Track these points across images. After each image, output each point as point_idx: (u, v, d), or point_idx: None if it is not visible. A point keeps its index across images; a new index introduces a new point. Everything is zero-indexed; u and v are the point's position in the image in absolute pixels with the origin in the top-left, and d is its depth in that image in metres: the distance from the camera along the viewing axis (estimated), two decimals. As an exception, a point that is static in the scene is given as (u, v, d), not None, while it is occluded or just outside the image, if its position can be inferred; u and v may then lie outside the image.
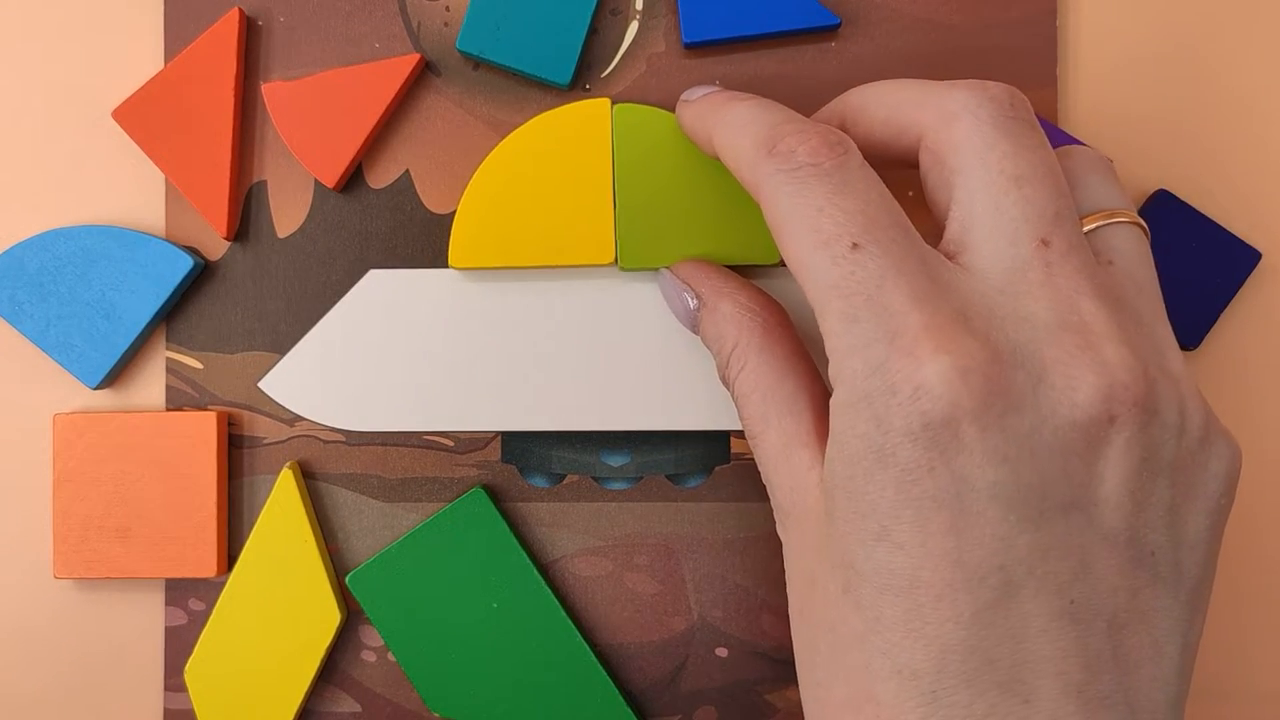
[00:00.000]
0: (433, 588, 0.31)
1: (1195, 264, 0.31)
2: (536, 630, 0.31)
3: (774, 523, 0.25)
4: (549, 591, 0.31)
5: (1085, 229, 0.23)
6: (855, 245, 0.21)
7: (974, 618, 0.20)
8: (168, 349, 0.33)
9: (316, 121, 0.32)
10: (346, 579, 0.31)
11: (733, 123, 0.25)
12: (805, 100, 0.32)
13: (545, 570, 0.32)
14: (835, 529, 0.22)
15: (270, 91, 0.32)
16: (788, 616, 0.24)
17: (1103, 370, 0.21)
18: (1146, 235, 0.24)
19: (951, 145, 0.23)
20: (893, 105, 0.25)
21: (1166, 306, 0.31)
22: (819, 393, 0.25)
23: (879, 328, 0.21)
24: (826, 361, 0.22)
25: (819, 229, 0.22)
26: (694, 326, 0.28)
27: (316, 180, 0.32)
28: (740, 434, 0.32)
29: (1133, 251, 0.23)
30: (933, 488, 0.20)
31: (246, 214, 0.33)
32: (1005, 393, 0.20)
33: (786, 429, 0.24)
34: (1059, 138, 0.31)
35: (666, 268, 0.30)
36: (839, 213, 0.21)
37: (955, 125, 0.23)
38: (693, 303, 0.28)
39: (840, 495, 0.22)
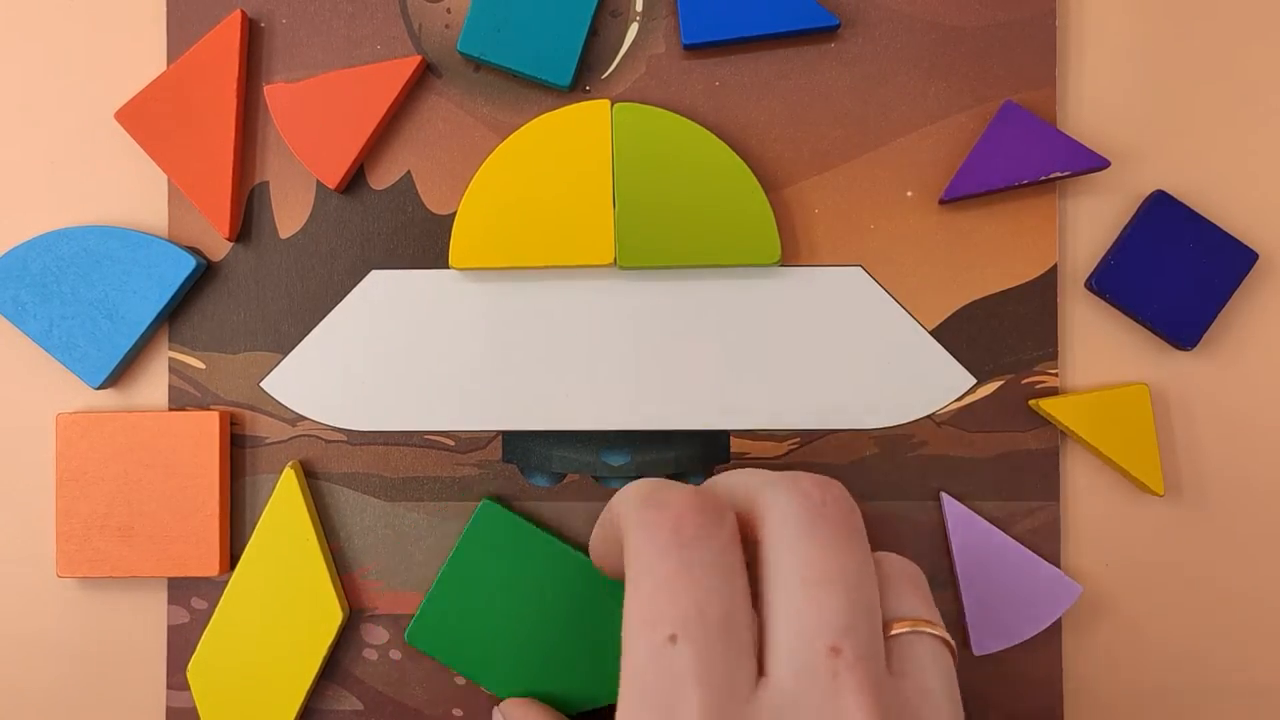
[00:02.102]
0: (488, 608, 0.31)
1: (1192, 264, 0.31)
2: (595, 599, 0.31)
3: None
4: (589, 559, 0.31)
5: (889, 633, 0.23)
6: (673, 637, 0.21)
7: None
8: (170, 349, 0.33)
9: (318, 123, 0.32)
10: (405, 637, 0.31)
11: (625, 488, 0.25)
12: (805, 100, 0.32)
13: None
14: None
15: (272, 93, 0.32)
16: None
17: None
18: (953, 651, 0.24)
19: (760, 540, 0.23)
20: (732, 493, 0.24)
21: (1165, 307, 0.32)
22: None
23: None
24: None
25: (653, 605, 0.21)
26: None
27: (318, 181, 0.33)
28: (740, 433, 0.32)
29: (931, 664, 0.23)
30: None
31: (249, 214, 0.33)
32: None
33: None
34: (1058, 139, 0.31)
35: (499, 707, 0.30)
36: (673, 594, 0.21)
37: (765, 523, 0.23)
38: None
39: None
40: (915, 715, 0.22)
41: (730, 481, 0.25)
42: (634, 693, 0.21)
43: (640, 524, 0.23)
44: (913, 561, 0.25)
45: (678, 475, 0.32)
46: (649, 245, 0.31)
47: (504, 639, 0.31)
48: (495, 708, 0.31)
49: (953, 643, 0.24)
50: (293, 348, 0.32)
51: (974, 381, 0.32)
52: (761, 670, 0.22)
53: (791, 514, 0.23)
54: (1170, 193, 0.32)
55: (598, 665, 0.31)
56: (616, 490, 0.32)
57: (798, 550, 0.22)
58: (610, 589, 0.31)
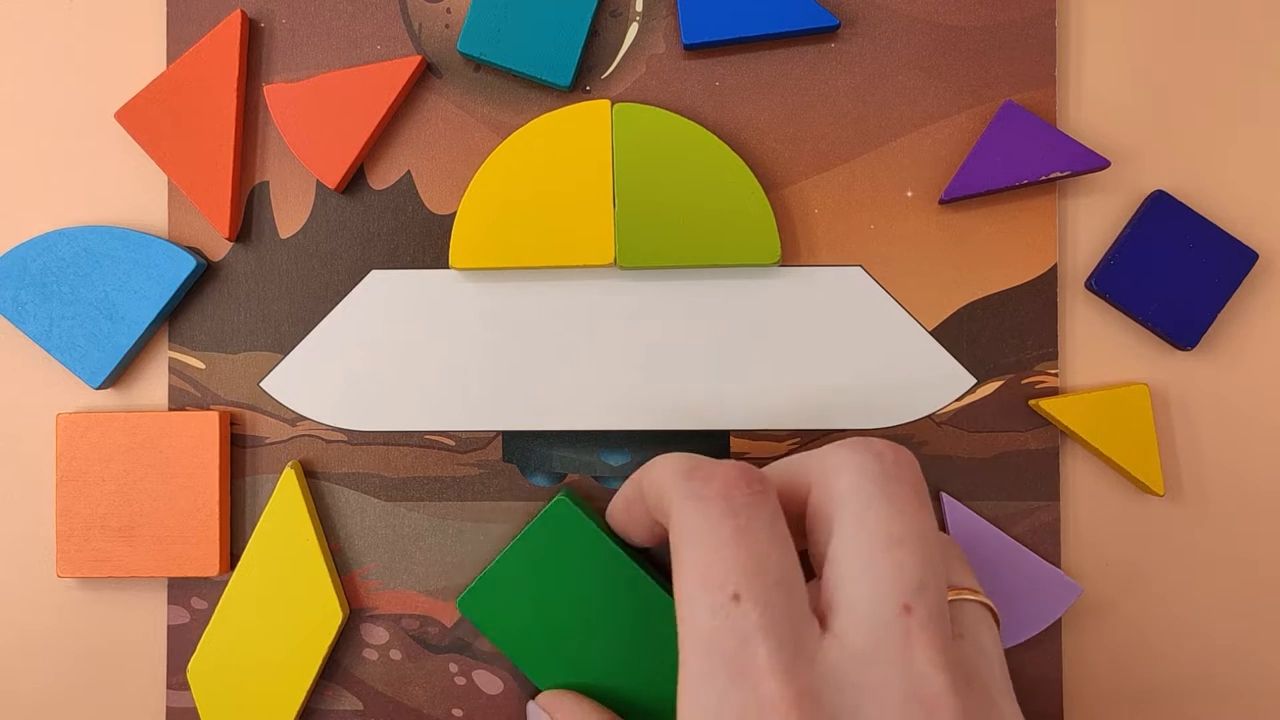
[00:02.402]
0: (541, 597, 0.31)
1: (1192, 264, 0.32)
2: (646, 618, 0.31)
3: None
4: (651, 581, 0.31)
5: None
6: (737, 596, 0.21)
7: None
8: (170, 349, 0.33)
9: (318, 123, 0.32)
10: (456, 603, 0.31)
11: (660, 461, 0.25)
12: (805, 100, 0.32)
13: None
14: None
15: (272, 93, 0.32)
16: None
17: None
18: (997, 620, 0.25)
19: (832, 499, 0.23)
20: (788, 466, 0.25)
21: (1165, 307, 0.32)
22: None
23: (735, 689, 0.21)
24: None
25: (711, 569, 0.22)
26: None
27: (318, 181, 0.33)
28: (740, 433, 0.32)
29: (983, 628, 0.24)
30: None
31: (249, 215, 0.33)
32: None
33: None
34: (1057, 139, 0.31)
35: (534, 700, 0.30)
36: (732, 557, 0.22)
37: (838, 479, 0.23)
38: None
39: None
40: (975, 673, 0.23)
41: (784, 461, 0.25)
42: (699, 652, 0.21)
43: (689, 495, 0.23)
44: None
45: (678, 475, 0.32)
46: (649, 245, 0.31)
47: (550, 632, 0.31)
48: (531, 701, 0.30)
49: (997, 611, 0.25)
50: (293, 348, 0.32)
51: (974, 381, 0.32)
52: (824, 628, 0.22)
53: (868, 473, 0.23)
54: (1170, 193, 0.32)
55: (636, 682, 0.31)
56: (617, 490, 0.32)
57: (875, 509, 0.23)
58: (663, 614, 0.31)
